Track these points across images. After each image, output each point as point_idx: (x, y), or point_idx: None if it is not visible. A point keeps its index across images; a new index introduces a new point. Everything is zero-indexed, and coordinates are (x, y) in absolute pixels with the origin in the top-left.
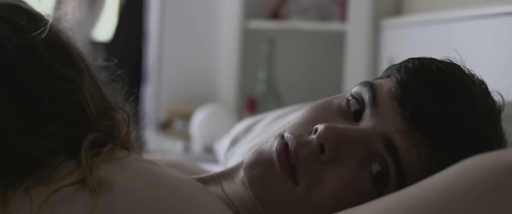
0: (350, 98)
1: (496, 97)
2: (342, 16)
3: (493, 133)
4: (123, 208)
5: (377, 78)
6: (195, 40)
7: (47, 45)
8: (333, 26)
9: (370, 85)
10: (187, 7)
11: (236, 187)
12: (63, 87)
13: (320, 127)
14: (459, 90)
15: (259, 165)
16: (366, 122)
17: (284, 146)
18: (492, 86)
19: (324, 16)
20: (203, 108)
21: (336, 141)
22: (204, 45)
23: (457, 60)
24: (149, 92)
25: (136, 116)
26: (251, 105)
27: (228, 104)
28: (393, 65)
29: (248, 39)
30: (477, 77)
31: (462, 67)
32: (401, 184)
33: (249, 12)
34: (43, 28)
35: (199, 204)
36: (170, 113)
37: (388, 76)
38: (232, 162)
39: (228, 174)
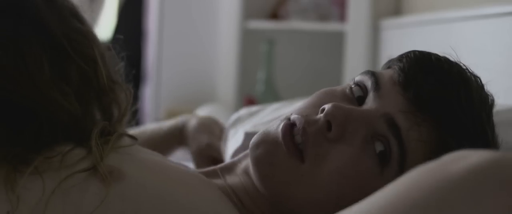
0: (353, 86)
1: (489, 92)
2: (341, 16)
3: (487, 121)
4: (134, 198)
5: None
6: (195, 40)
7: (66, 2)
8: (332, 26)
9: (372, 73)
10: (186, 7)
11: (238, 177)
12: (81, 41)
13: (327, 106)
14: (457, 79)
15: (265, 144)
16: (370, 104)
17: (289, 126)
18: (492, 86)
19: (323, 16)
20: (202, 107)
21: (343, 118)
22: (204, 45)
23: (454, 58)
24: (148, 92)
25: (135, 114)
26: (250, 105)
27: (227, 104)
28: (393, 58)
29: (248, 39)
30: (472, 72)
31: (458, 62)
32: (403, 161)
33: (248, 12)
34: None
35: (204, 197)
36: (169, 113)
37: (388, 67)
38: (234, 141)
39: (230, 167)
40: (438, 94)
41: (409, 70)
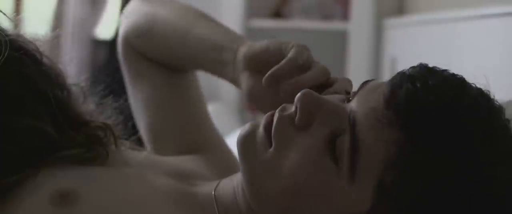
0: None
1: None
2: (345, 15)
3: (483, 142)
4: None
5: None
6: None
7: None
8: (336, 25)
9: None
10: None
11: (232, 189)
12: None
13: (300, 92)
14: (450, 89)
15: (251, 125)
16: (351, 102)
17: (272, 116)
18: (493, 85)
19: (326, 15)
20: None
21: (310, 106)
22: None
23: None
24: None
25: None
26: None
27: (230, 103)
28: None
29: (250, 38)
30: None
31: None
32: (354, 158)
33: (251, 11)
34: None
35: None
36: None
37: None
38: None
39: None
40: (417, 98)
41: (399, 75)
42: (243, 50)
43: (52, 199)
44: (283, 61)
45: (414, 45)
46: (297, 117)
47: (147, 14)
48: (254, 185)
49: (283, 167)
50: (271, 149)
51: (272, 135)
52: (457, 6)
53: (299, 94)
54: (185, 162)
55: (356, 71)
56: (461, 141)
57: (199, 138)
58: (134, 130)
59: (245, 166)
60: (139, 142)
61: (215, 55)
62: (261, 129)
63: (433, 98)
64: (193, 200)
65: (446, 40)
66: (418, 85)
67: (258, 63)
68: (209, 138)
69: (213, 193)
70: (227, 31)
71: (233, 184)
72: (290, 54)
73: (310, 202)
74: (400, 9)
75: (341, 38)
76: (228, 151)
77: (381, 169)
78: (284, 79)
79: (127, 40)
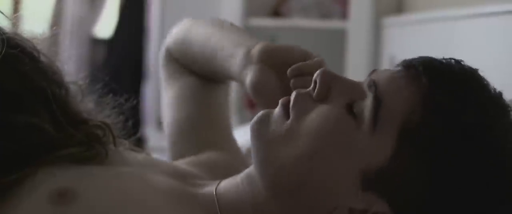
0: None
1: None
2: (343, 14)
3: (490, 103)
4: None
5: None
6: None
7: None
8: (334, 24)
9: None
10: (187, 4)
11: (236, 187)
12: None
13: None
14: (463, 72)
15: (263, 112)
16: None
17: (288, 98)
18: (492, 84)
19: (325, 14)
20: None
21: (327, 78)
22: None
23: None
24: (149, 90)
25: (136, 113)
26: (251, 102)
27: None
28: None
29: None
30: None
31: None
32: (377, 110)
33: (250, 9)
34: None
35: None
36: None
37: None
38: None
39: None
40: (433, 63)
41: (412, 58)
42: (260, 46)
43: (51, 198)
44: (313, 61)
45: (413, 44)
46: (316, 90)
47: (187, 26)
48: (268, 159)
49: (302, 132)
50: (289, 121)
51: (291, 107)
52: (456, 5)
53: (316, 73)
54: (185, 164)
55: (355, 70)
56: (477, 97)
57: (216, 136)
58: (134, 129)
59: (259, 142)
60: (139, 142)
61: (228, 52)
62: (278, 108)
63: (448, 65)
64: (193, 199)
65: (444, 38)
66: (432, 59)
67: (275, 59)
68: (227, 139)
69: (214, 192)
70: (249, 34)
71: (236, 180)
72: (319, 59)
73: (327, 166)
74: (398, 8)
75: (340, 37)
76: (241, 158)
77: (405, 114)
78: (309, 76)
79: (168, 49)
